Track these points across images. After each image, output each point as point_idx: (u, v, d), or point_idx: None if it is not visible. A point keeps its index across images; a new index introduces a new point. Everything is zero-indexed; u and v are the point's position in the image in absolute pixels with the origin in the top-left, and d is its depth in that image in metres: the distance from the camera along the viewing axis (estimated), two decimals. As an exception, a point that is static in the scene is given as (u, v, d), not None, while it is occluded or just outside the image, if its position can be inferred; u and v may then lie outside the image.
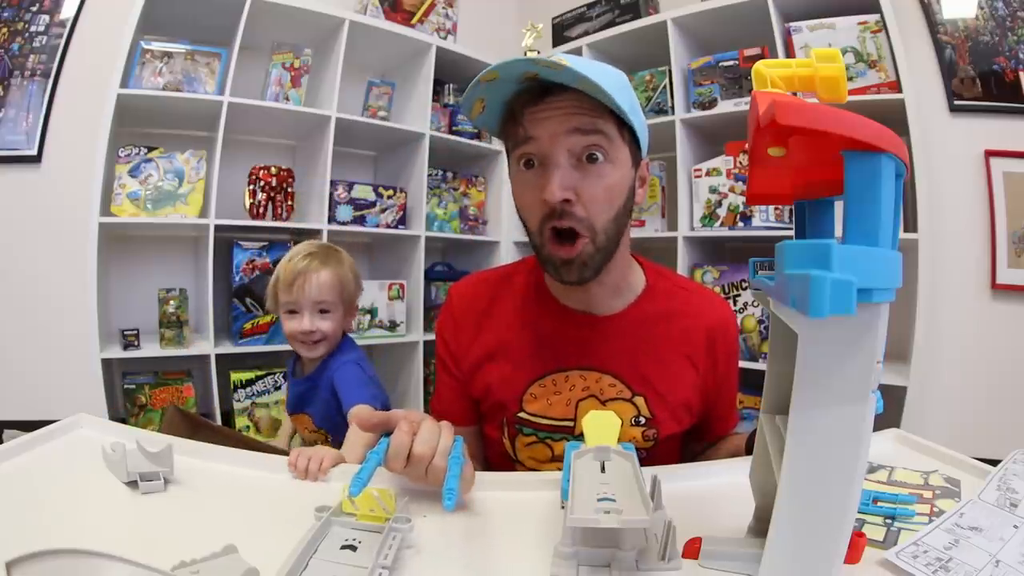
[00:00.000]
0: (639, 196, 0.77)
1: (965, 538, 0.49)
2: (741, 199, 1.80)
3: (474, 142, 2.36)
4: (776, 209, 1.75)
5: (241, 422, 1.88)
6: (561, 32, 2.33)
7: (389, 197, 2.15)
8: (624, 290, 0.81)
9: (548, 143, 0.68)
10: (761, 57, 1.78)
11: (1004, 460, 0.63)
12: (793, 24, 1.71)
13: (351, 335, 1.29)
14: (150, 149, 1.76)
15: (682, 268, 1.87)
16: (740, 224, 1.80)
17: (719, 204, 1.84)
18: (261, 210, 1.90)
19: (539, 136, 0.68)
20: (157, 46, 1.76)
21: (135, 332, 1.71)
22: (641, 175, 0.77)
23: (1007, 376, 1.54)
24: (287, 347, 1.93)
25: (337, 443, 1.13)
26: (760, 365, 1.71)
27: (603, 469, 0.52)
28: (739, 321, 1.75)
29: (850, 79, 1.52)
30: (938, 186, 1.57)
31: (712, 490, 0.64)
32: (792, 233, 0.51)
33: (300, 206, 2.03)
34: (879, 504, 0.55)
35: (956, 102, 1.61)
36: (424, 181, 2.18)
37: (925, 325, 1.51)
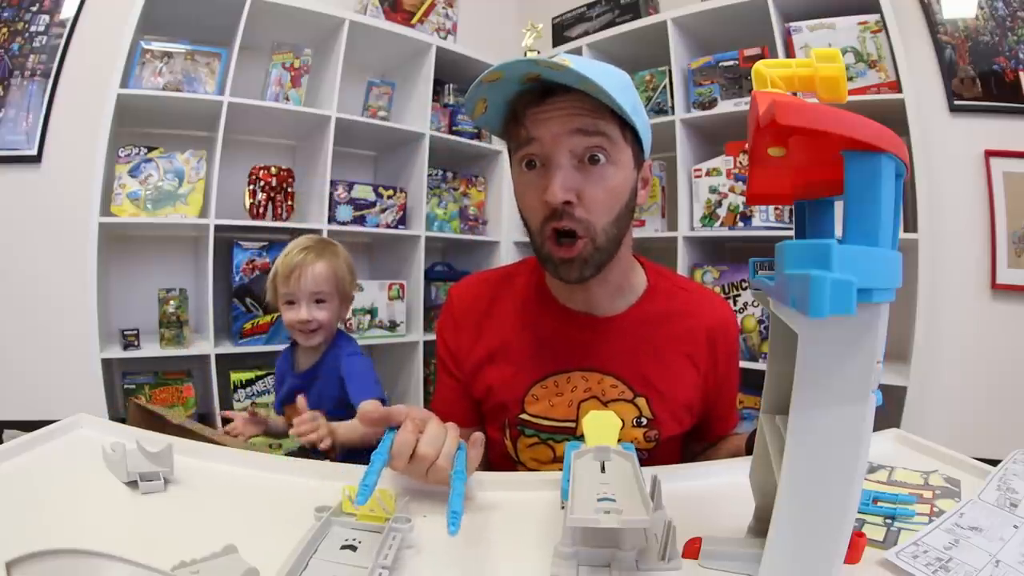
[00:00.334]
0: (641, 197, 0.76)
1: (965, 538, 0.49)
2: (741, 199, 1.80)
3: (474, 142, 2.36)
4: (776, 209, 1.75)
5: (241, 422, 1.88)
6: (561, 32, 2.33)
7: (389, 197, 2.15)
8: (626, 291, 0.82)
9: (550, 144, 0.68)
10: (761, 57, 1.78)
11: (1004, 460, 0.63)
12: (793, 24, 1.71)
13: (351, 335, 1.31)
14: (150, 149, 1.76)
15: (682, 268, 1.87)
16: (740, 224, 1.80)
17: (719, 204, 1.84)
18: (261, 210, 1.90)
19: (541, 137, 0.68)
20: (157, 46, 1.76)
21: (135, 332, 1.71)
22: (644, 176, 0.77)
23: (1007, 376, 1.54)
24: (287, 347, 1.95)
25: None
26: (760, 365, 1.71)
27: (603, 469, 0.52)
28: (739, 321, 1.75)
29: (850, 79, 1.52)
30: (938, 186, 1.57)
31: (712, 490, 0.64)
32: (792, 233, 0.51)
33: (300, 206, 2.03)
34: (879, 504, 0.55)
35: (956, 102, 1.61)
36: (424, 181, 2.18)
37: (925, 325, 1.51)
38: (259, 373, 1.90)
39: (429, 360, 2.23)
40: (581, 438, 0.73)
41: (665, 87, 1.98)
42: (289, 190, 1.95)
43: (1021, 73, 1.54)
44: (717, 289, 1.83)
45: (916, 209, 1.53)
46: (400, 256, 2.28)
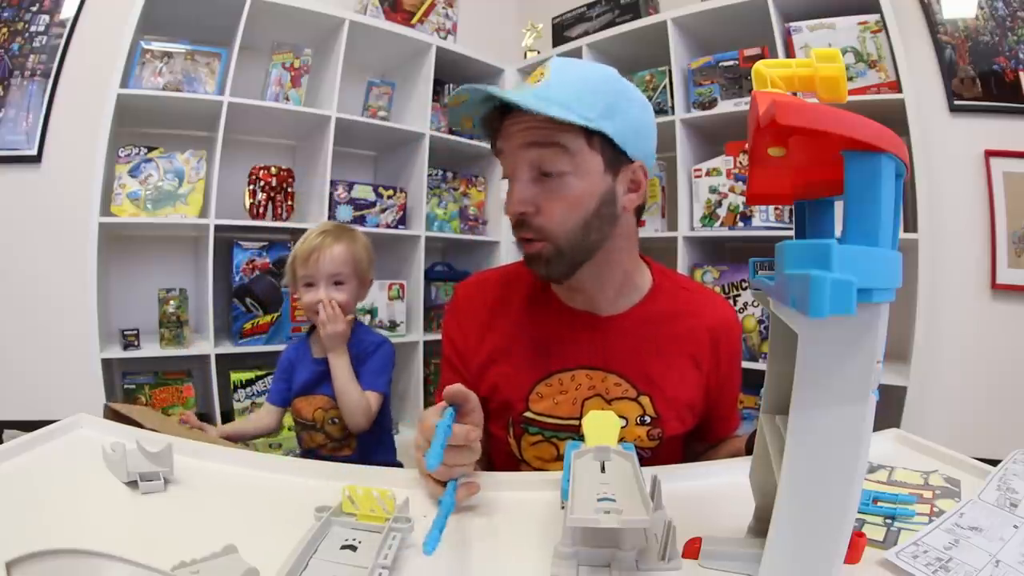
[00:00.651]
0: (630, 200, 0.75)
1: (965, 538, 0.49)
2: (741, 199, 1.80)
3: (474, 142, 2.35)
4: (776, 209, 1.75)
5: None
6: (561, 32, 2.33)
7: (389, 197, 2.15)
8: (628, 291, 0.82)
9: (511, 157, 0.72)
10: (761, 57, 1.77)
11: (1004, 460, 0.63)
12: (793, 24, 1.70)
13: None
14: (150, 149, 1.76)
15: (682, 268, 1.87)
16: (740, 224, 1.80)
17: (719, 204, 1.84)
18: (261, 210, 1.90)
19: (505, 151, 0.73)
20: (157, 46, 1.76)
21: (135, 332, 1.71)
22: (633, 178, 0.75)
23: (1007, 376, 1.54)
24: (287, 347, 1.95)
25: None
26: (760, 365, 1.71)
27: (603, 469, 0.52)
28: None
29: (850, 79, 1.52)
30: (938, 186, 1.57)
31: (712, 490, 0.64)
32: (792, 233, 0.51)
33: (300, 206, 2.02)
34: (879, 504, 0.55)
35: (956, 102, 1.61)
36: (424, 181, 2.18)
37: (925, 325, 1.51)
38: (259, 373, 1.90)
39: (429, 360, 2.23)
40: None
41: (665, 87, 1.98)
42: (289, 190, 1.95)
43: (1021, 73, 1.54)
44: (717, 289, 1.83)
45: (916, 209, 1.53)
46: (400, 256, 2.28)
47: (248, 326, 1.87)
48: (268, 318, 1.89)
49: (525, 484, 0.66)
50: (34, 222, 1.78)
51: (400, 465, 1.31)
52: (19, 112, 1.76)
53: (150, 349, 1.74)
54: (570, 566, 0.45)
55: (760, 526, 0.48)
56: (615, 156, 0.72)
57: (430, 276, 2.32)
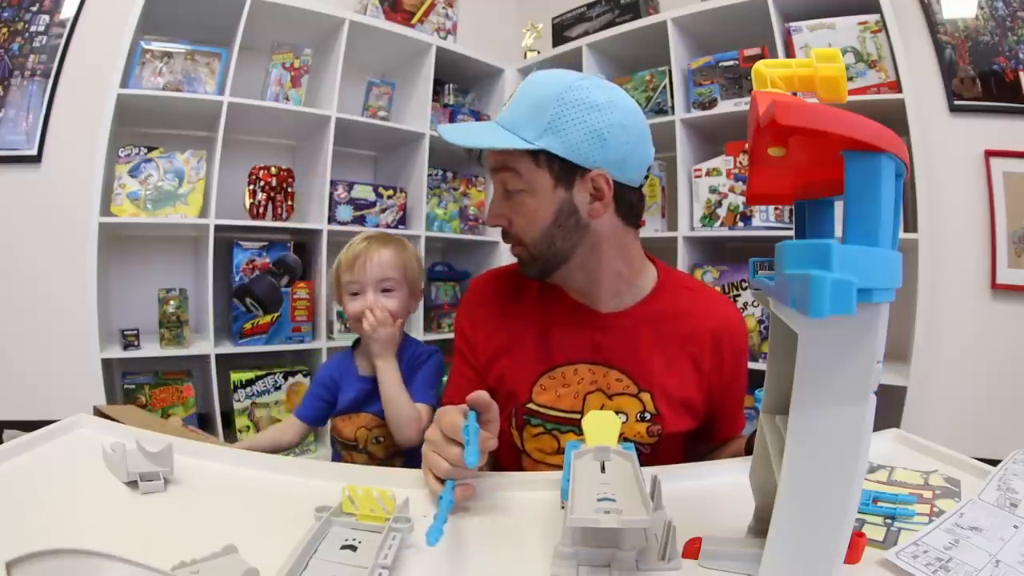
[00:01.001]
0: (594, 209, 0.74)
1: (965, 538, 0.49)
2: (741, 199, 1.80)
3: (474, 142, 2.35)
4: (776, 209, 1.75)
5: (241, 422, 1.88)
6: (561, 32, 2.33)
7: (389, 197, 2.15)
8: (626, 290, 0.83)
9: (490, 176, 0.81)
10: (761, 57, 1.77)
11: (1004, 460, 0.63)
12: (793, 24, 1.71)
13: None
14: (150, 149, 1.76)
15: (682, 268, 1.87)
16: (740, 224, 1.80)
17: (719, 204, 1.84)
18: (261, 210, 1.90)
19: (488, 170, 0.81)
20: (157, 46, 1.76)
21: (135, 332, 1.71)
22: (592, 188, 0.74)
23: (1007, 376, 1.54)
24: (287, 347, 1.94)
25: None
26: (760, 365, 1.71)
27: (603, 469, 0.52)
28: (739, 321, 1.74)
29: (850, 79, 1.52)
30: (938, 186, 1.57)
31: (712, 490, 0.64)
32: (792, 233, 0.51)
33: (300, 206, 2.03)
34: (879, 504, 0.55)
35: (956, 102, 1.61)
36: (424, 181, 2.18)
37: (925, 325, 1.51)
38: (259, 373, 1.90)
39: (429, 360, 2.23)
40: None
41: (665, 87, 1.98)
42: (289, 190, 1.95)
43: (1021, 73, 1.54)
44: (717, 289, 1.83)
45: (916, 209, 1.53)
46: (400, 256, 2.28)
47: (248, 326, 1.87)
48: (268, 318, 1.89)
49: (525, 484, 0.66)
50: (34, 222, 1.78)
51: None
52: (19, 112, 1.76)
53: (150, 349, 1.74)
54: (570, 566, 0.45)
55: (760, 526, 0.48)
56: (565, 169, 0.73)
57: (430, 276, 2.32)
